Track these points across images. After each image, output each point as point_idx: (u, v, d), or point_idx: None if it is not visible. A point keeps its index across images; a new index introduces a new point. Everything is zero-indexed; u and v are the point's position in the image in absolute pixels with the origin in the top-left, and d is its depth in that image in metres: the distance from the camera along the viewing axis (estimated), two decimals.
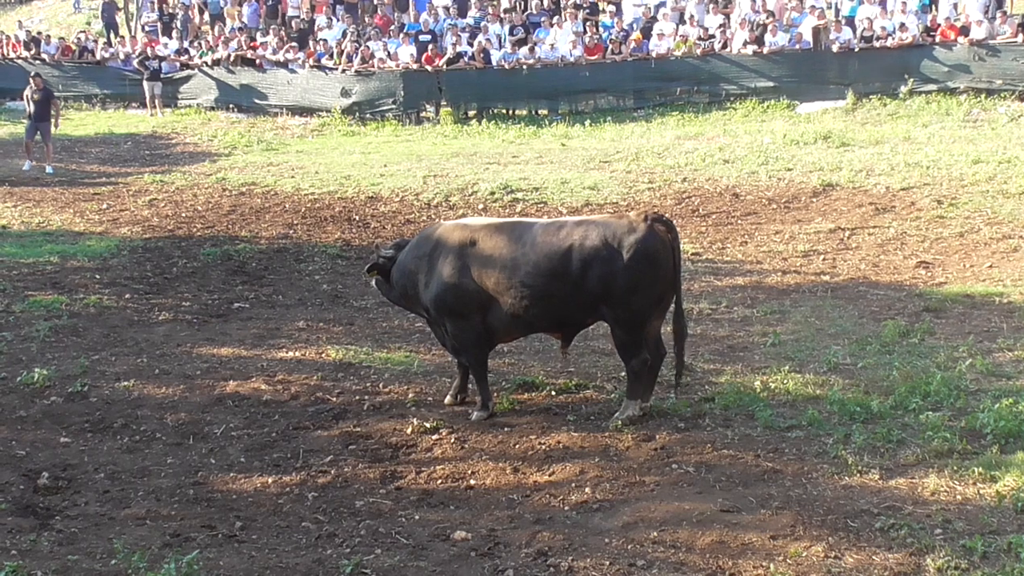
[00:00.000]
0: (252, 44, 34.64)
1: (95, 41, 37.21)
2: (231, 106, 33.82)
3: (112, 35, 39.18)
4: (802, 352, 11.80)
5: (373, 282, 11.30)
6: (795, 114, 29.32)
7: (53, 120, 25.71)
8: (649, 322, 9.82)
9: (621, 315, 9.62)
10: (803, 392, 10.47)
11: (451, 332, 10.28)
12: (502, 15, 34.51)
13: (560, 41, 32.34)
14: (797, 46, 30.68)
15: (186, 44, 35.76)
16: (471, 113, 32.03)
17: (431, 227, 10.93)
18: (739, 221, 18.89)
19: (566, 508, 8.30)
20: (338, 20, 35.40)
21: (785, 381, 10.75)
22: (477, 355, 10.28)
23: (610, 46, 32.12)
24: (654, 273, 9.53)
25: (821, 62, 30.35)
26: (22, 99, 27.87)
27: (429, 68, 31.87)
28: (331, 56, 32.97)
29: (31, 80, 26.35)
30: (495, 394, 10.55)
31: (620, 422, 9.77)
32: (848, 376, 10.97)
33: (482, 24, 33.68)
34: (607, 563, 7.35)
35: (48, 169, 24.88)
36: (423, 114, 32.07)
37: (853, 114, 28.46)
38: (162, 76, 34.45)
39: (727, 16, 32.76)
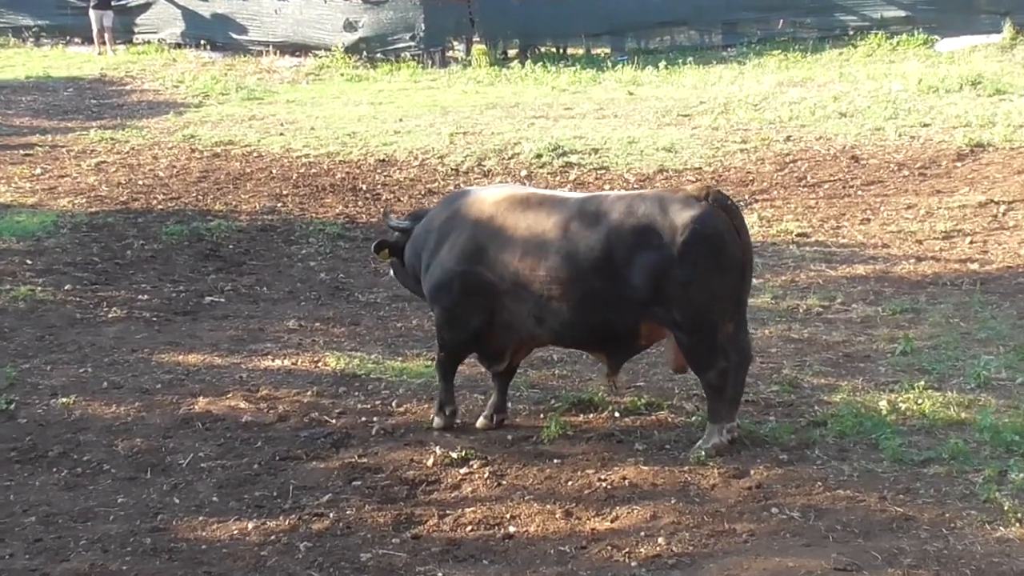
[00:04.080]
0: None
1: None
2: (202, 42, 34.07)
3: None
4: (942, 363, 11.71)
5: (389, 268, 11.34)
6: (934, 52, 29.19)
7: None
8: (715, 322, 9.76)
9: (681, 317, 9.57)
10: (943, 415, 10.39)
11: (438, 323, 10.49)
12: None
13: None
14: None
15: None
16: (511, 52, 32.15)
17: (458, 193, 11.03)
18: (859, 192, 18.79)
19: (633, 564, 8.27)
20: None
21: (919, 401, 10.67)
22: (455, 353, 10.57)
23: None
24: (718, 261, 9.47)
25: None
26: None
27: None
28: None
29: None
30: (541, 415, 10.53)
31: (703, 453, 9.73)
32: (1003, 395, 10.87)
33: None
34: None
35: None
36: (450, 53, 32.21)
37: (1011, 52, 28.30)
38: (114, 3, 34.65)
39: None
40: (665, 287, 9.44)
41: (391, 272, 11.61)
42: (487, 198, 10.27)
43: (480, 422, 10.63)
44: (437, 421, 10.52)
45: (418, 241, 10.58)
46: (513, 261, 9.83)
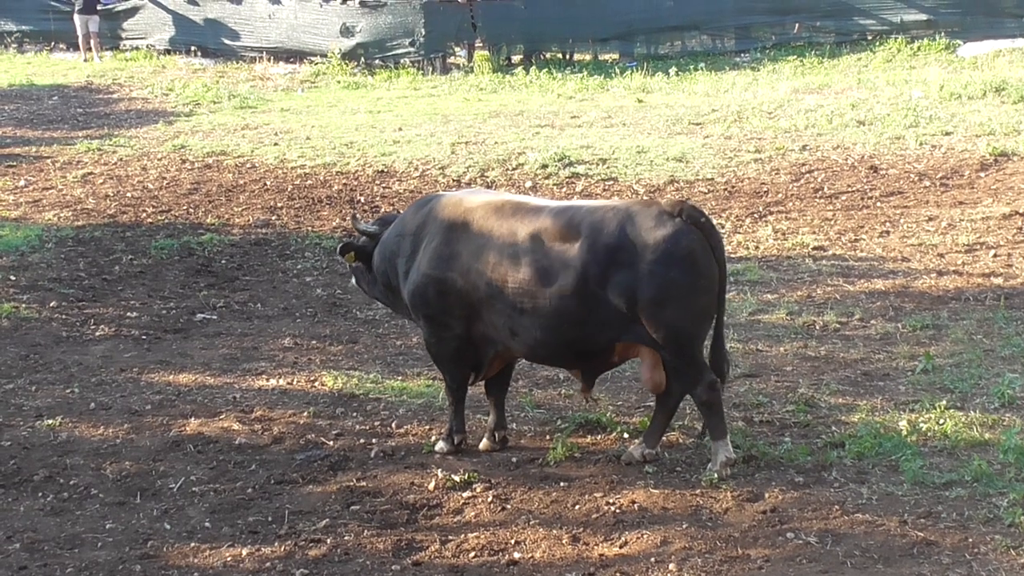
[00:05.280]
0: None
1: None
2: (193, 48, 34.11)
3: None
4: (964, 382, 11.72)
5: (351, 271, 11.43)
6: (956, 58, 29.21)
7: None
8: (695, 340, 9.86)
9: (659, 336, 9.64)
10: (966, 436, 10.40)
11: (425, 338, 10.60)
12: None
13: None
14: None
15: None
16: (516, 58, 32.17)
17: (425, 197, 11.15)
18: (879, 204, 18.80)
19: None
20: None
21: (941, 421, 10.69)
22: (454, 373, 10.49)
23: None
24: (692, 280, 9.56)
25: None
26: None
27: None
28: None
29: None
30: (547, 436, 10.56)
31: (716, 474, 9.76)
32: None
33: None
34: None
35: None
36: (451, 59, 32.23)
37: None
38: (100, 7, 34.69)
39: None
40: (639, 307, 9.53)
41: (352, 280, 11.67)
42: (461, 202, 10.37)
43: (483, 444, 10.66)
44: (441, 446, 10.53)
45: (389, 247, 10.68)
46: (487, 271, 9.92)
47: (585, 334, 9.80)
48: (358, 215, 11.96)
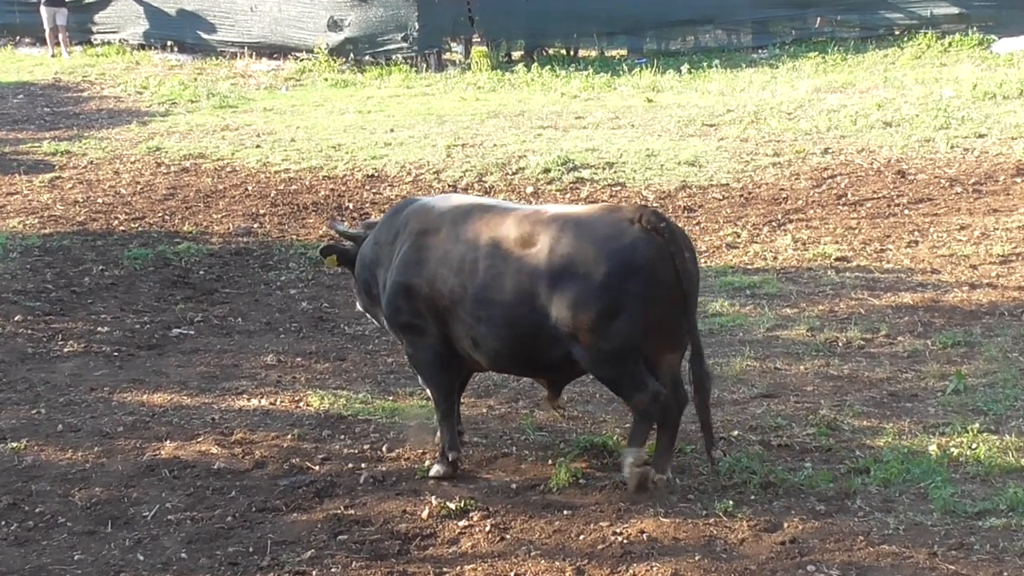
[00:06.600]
0: None
1: None
2: (168, 43, 34.18)
3: None
4: (999, 403, 11.72)
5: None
6: (990, 54, 29.25)
7: None
8: (638, 352, 9.90)
9: (599, 352, 9.76)
10: (1001, 462, 10.40)
11: (405, 350, 10.84)
12: None
13: None
14: None
15: None
16: (516, 54, 32.22)
17: (400, 203, 11.37)
18: (906, 211, 18.83)
19: None
20: None
21: (974, 445, 10.70)
22: (439, 381, 10.62)
23: None
24: (646, 292, 9.63)
25: None
26: None
27: None
28: None
29: None
30: (549, 461, 10.57)
31: (626, 473, 10.02)
32: None
33: None
34: None
35: None
36: (446, 55, 32.29)
37: None
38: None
39: None
40: (582, 321, 9.64)
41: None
42: (432, 208, 10.58)
43: (437, 438, 10.87)
44: (436, 469, 10.55)
45: (367, 256, 10.92)
46: (450, 277, 10.09)
47: (540, 346, 9.95)
48: (337, 217, 12.05)
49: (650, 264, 9.57)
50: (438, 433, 10.86)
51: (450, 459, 10.50)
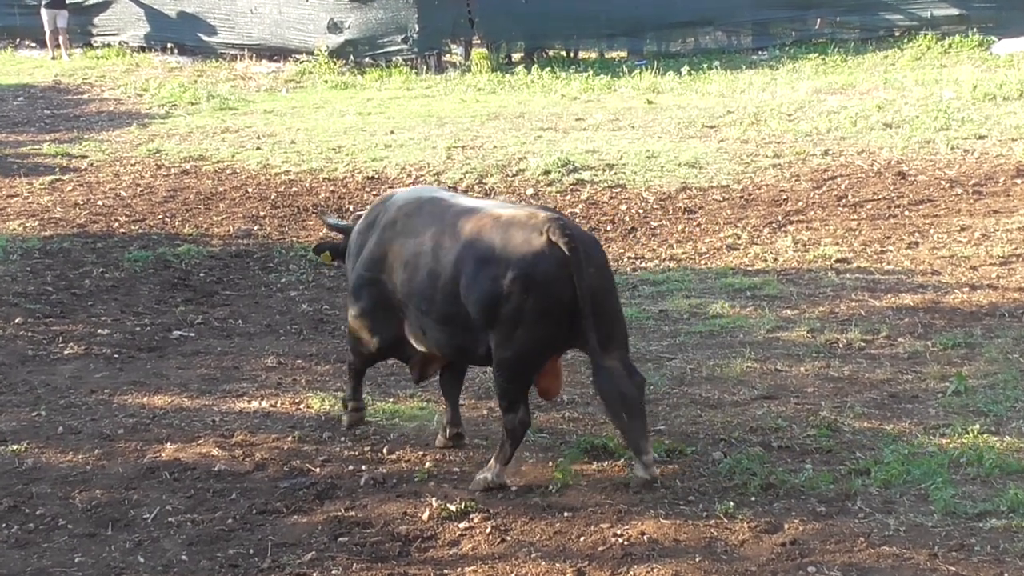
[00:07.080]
0: None
1: None
2: (169, 45, 34.16)
3: None
4: (1000, 404, 11.71)
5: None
6: (991, 55, 29.24)
7: None
8: (536, 370, 10.10)
9: (503, 352, 9.91)
10: (1002, 463, 10.38)
11: (349, 327, 11.16)
12: None
13: None
14: None
15: None
16: (516, 56, 32.22)
17: (381, 196, 11.61)
18: (907, 212, 18.82)
19: None
20: None
21: (974, 446, 10.69)
22: (367, 357, 11.21)
23: None
24: (545, 305, 9.72)
25: None
26: None
27: None
28: None
29: None
30: (549, 463, 10.56)
31: (480, 484, 10.23)
32: None
33: None
34: None
35: None
36: (447, 57, 32.28)
37: None
38: (68, 1, 34.69)
39: None
40: (494, 318, 9.81)
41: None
42: (396, 201, 10.86)
43: (438, 440, 11.11)
44: (345, 419, 11.34)
45: (352, 248, 11.16)
46: (402, 271, 10.38)
47: (474, 340, 10.13)
48: (325, 209, 12.13)
49: (550, 278, 9.67)
50: (438, 436, 11.05)
51: (349, 408, 11.31)
